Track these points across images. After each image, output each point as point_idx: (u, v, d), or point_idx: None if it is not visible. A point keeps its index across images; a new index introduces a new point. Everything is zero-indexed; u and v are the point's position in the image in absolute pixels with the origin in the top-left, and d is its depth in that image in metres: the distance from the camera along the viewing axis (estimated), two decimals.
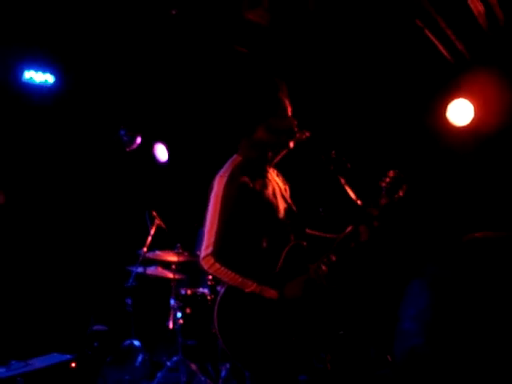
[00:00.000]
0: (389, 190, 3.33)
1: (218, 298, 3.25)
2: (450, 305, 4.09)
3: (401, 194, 3.35)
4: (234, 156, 3.49)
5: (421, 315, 4.11)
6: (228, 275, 3.19)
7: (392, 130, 6.33)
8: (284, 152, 3.53)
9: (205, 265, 3.24)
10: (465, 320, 4.01)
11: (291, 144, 3.48)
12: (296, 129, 3.46)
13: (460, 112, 6.07)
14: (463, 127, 6.14)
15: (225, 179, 3.31)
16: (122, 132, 7.15)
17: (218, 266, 3.19)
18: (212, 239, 3.22)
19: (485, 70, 5.81)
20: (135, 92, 7.17)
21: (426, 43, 5.55)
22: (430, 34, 5.38)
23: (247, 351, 3.18)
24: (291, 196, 3.66)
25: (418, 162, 6.07)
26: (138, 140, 7.23)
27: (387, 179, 3.34)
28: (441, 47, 5.66)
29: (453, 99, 6.06)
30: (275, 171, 3.66)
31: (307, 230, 3.63)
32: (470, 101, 6.02)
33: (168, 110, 7.51)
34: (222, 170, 3.39)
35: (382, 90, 6.26)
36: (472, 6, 4.92)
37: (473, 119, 6.07)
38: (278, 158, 3.56)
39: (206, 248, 3.23)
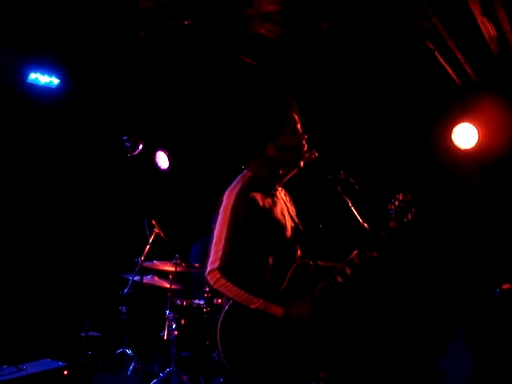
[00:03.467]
0: (398, 213, 3.30)
1: (222, 313, 3.21)
2: (494, 367, 4.11)
3: (410, 217, 3.32)
4: (245, 171, 3.45)
5: (466, 378, 4.13)
6: (233, 291, 3.15)
7: (399, 150, 6.33)
8: (294, 171, 3.50)
9: (210, 280, 3.18)
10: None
11: (301, 163, 3.45)
12: (305, 144, 3.43)
13: (465, 135, 6.10)
14: (468, 150, 6.17)
15: (234, 194, 3.27)
16: (125, 137, 7.11)
17: (223, 281, 3.14)
18: (219, 254, 3.17)
19: (491, 95, 5.83)
20: (140, 98, 7.14)
21: (436, 65, 5.55)
22: (439, 57, 5.37)
23: (248, 367, 3.13)
24: (298, 216, 3.63)
25: (424, 183, 6.07)
26: (140, 146, 7.20)
27: (396, 202, 3.31)
28: (450, 70, 5.66)
29: (459, 122, 6.08)
30: (283, 191, 3.63)
31: (319, 262, 3.58)
32: (475, 125, 6.04)
33: (172, 118, 7.49)
34: (232, 185, 3.34)
35: (390, 111, 6.26)
36: (484, 30, 4.90)
37: (477, 143, 6.09)
38: (288, 177, 3.53)
39: (212, 263, 3.18)
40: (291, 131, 3.41)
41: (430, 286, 6.25)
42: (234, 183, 3.37)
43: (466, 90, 6.06)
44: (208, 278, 3.19)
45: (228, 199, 3.27)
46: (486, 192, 6.16)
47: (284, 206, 3.51)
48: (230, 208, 3.24)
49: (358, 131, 6.45)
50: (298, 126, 3.45)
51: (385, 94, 6.20)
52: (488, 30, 4.91)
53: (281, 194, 3.56)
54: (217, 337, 3.16)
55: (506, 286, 4.56)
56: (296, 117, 3.46)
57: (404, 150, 6.36)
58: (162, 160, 7.60)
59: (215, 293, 3.39)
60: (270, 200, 3.40)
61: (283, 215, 3.45)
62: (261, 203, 3.32)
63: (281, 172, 3.48)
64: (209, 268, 3.19)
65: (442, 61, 5.47)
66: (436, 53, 5.28)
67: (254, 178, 3.40)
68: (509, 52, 5.35)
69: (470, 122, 6.08)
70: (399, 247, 3.62)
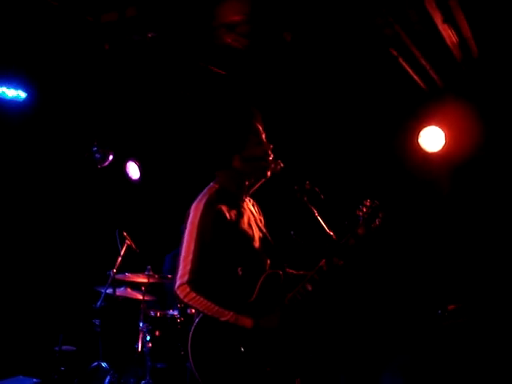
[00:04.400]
0: (366, 220, 3.34)
1: (193, 327, 3.22)
2: None
3: (377, 222, 3.36)
4: (211, 184, 3.48)
5: None
6: (203, 304, 3.16)
7: (365, 157, 6.39)
8: (261, 181, 3.53)
9: (180, 294, 3.20)
10: None
11: (268, 173, 3.47)
12: (271, 154, 3.46)
13: (432, 138, 6.16)
14: (435, 153, 6.23)
15: (201, 207, 3.29)
16: (95, 149, 7.07)
17: (193, 294, 3.16)
18: (188, 268, 3.19)
19: (457, 99, 5.91)
20: (108, 109, 7.11)
21: (401, 72, 5.61)
22: (403, 63, 5.43)
23: (220, 380, 3.15)
24: (266, 226, 3.65)
25: (391, 188, 6.12)
26: (111, 157, 7.16)
27: (364, 208, 3.35)
28: (415, 76, 5.73)
29: (425, 126, 6.14)
30: (251, 201, 3.66)
31: (289, 271, 3.60)
32: (442, 128, 6.11)
33: (141, 128, 7.46)
34: (199, 198, 3.37)
35: (355, 118, 6.31)
36: (446, 37, 4.98)
37: (444, 146, 6.16)
38: (255, 187, 3.56)
39: (181, 277, 3.20)
40: (257, 142, 3.45)
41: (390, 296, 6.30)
42: (200, 196, 3.39)
43: (431, 95, 6.13)
44: (178, 292, 3.21)
45: (195, 212, 3.30)
46: (455, 194, 6.22)
47: (251, 217, 3.54)
48: (197, 221, 3.26)
49: (324, 139, 6.49)
50: (263, 136, 3.49)
51: (350, 101, 6.25)
52: (450, 36, 4.99)
53: (248, 204, 3.58)
54: (188, 349, 3.18)
55: (451, 307, 4.67)
56: (260, 128, 3.49)
57: (371, 156, 6.41)
58: (133, 170, 7.55)
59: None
60: (236, 211, 3.43)
61: (251, 226, 3.48)
62: (227, 215, 3.35)
63: (247, 183, 3.51)
64: (178, 282, 3.20)
65: (406, 67, 5.54)
66: (400, 59, 5.34)
67: (221, 190, 3.43)
68: (471, 57, 5.43)
69: (437, 126, 6.15)
70: (366, 254, 3.65)
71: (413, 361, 4.72)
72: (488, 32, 5.14)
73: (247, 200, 3.58)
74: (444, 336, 4.79)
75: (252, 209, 3.61)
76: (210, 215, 3.28)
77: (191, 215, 3.30)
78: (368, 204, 3.37)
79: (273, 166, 3.46)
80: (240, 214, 3.44)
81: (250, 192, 3.58)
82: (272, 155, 3.47)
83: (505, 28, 5.06)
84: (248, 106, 3.56)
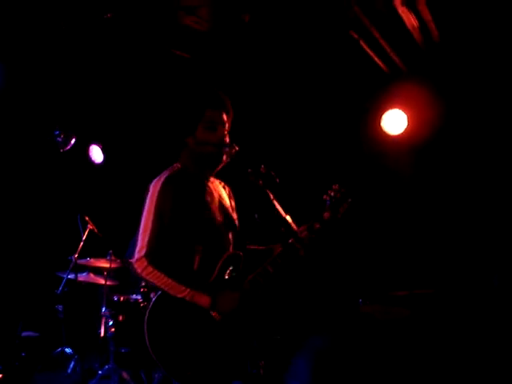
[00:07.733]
0: (333, 204, 3.36)
1: (150, 305, 3.18)
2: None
3: (345, 207, 3.39)
4: (174, 164, 3.47)
5: None
6: (160, 280, 3.14)
7: (327, 140, 6.39)
8: (220, 164, 3.50)
9: (138, 268, 3.18)
10: None
11: (224, 157, 3.45)
12: (227, 140, 3.44)
13: (394, 121, 6.18)
14: (397, 136, 6.25)
15: (160, 182, 3.29)
16: (56, 132, 6.97)
17: (150, 269, 3.14)
18: (145, 241, 3.18)
19: (418, 82, 5.92)
20: (70, 92, 7.00)
21: (362, 54, 5.61)
22: (364, 45, 5.43)
23: (175, 358, 3.12)
24: (236, 210, 3.65)
25: (353, 172, 6.14)
26: (73, 141, 7.07)
27: (332, 193, 3.37)
28: (376, 58, 5.72)
29: (387, 109, 6.15)
30: (222, 183, 3.65)
31: (248, 246, 3.60)
32: (404, 111, 6.13)
33: (104, 111, 7.37)
34: (160, 175, 3.37)
35: (316, 101, 6.30)
36: (406, 20, 4.98)
37: (406, 129, 6.18)
38: (217, 169, 3.53)
39: (139, 250, 3.19)
40: (208, 127, 3.42)
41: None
42: (162, 173, 3.39)
43: (393, 78, 6.14)
44: (136, 265, 3.20)
45: (154, 188, 3.30)
46: (418, 178, 6.26)
47: (216, 197, 3.51)
48: (155, 196, 3.26)
49: (284, 122, 6.47)
50: (221, 122, 3.45)
51: (311, 84, 6.23)
52: (409, 19, 4.99)
53: (214, 184, 3.56)
54: (143, 327, 3.13)
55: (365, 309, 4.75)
56: (217, 114, 3.45)
57: (333, 139, 6.42)
58: (96, 154, 7.46)
59: (152, 288, 3.38)
60: (198, 190, 3.41)
61: (213, 205, 3.46)
62: (187, 192, 3.34)
63: (206, 164, 3.48)
64: (136, 256, 3.20)
65: (367, 50, 5.53)
66: (361, 42, 5.34)
67: (182, 169, 3.44)
68: (432, 40, 5.45)
69: (399, 109, 6.17)
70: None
71: (326, 345, 4.79)
72: (449, 15, 5.14)
73: (213, 180, 3.56)
74: (359, 323, 4.87)
75: (221, 190, 3.59)
76: (169, 191, 3.28)
77: (150, 191, 3.30)
78: (336, 188, 3.39)
79: (227, 150, 3.45)
80: (202, 193, 3.42)
81: (214, 172, 3.54)
82: (227, 142, 3.44)
83: (466, 11, 5.07)
84: (204, 91, 3.53)
